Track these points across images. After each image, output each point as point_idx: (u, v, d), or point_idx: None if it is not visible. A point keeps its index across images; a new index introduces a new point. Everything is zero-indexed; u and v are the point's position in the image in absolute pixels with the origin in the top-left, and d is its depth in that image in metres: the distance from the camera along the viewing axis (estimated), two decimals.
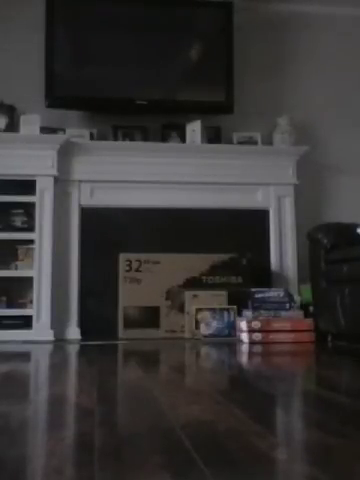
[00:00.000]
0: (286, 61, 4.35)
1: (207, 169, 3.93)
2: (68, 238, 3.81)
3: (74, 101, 3.95)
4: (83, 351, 3.05)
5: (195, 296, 3.66)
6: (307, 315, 3.47)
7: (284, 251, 3.98)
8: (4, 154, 3.70)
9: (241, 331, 3.39)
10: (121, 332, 3.64)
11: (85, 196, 3.87)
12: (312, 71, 4.35)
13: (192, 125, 3.99)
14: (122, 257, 3.73)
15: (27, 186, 3.70)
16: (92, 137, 3.98)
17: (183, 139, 4.03)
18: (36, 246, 3.68)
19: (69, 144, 3.79)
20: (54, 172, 3.73)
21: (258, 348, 3.05)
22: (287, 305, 3.47)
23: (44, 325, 3.60)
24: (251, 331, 3.28)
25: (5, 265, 3.71)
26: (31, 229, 3.71)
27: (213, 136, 4.06)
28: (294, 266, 3.96)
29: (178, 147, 4.00)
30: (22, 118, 3.76)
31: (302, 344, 3.20)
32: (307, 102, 4.30)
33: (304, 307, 3.57)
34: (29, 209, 3.75)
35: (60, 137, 3.80)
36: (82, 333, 3.70)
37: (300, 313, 3.48)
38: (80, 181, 3.86)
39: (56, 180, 3.76)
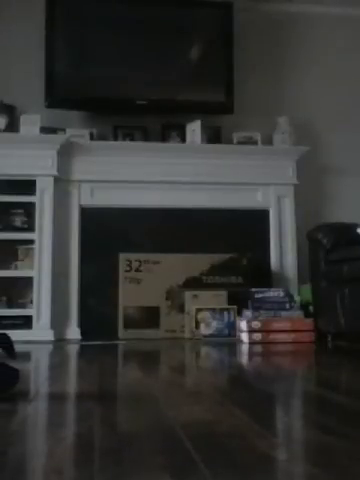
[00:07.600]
0: (286, 61, 4.35)
1: (207, 169, 3.93)
2: (68, 238, 3.81)
3: (74, 101, 3.95)
4: (83, 351, 3.05)
5: (195, 296, 3.66)
6: (307, 315, 3.47)
7: (284, 251, 3.98)
8: (4, 154, 3.70)
9: (241, 331, 3.39)
10: (121, 332, 3.64)
11: (85, 196, 3.87)
12: (312, 71, 4.35)
13: (192, 125, 3.99)
14: (122, 257, 3.73)
15: (27, 186, 3.71)
16: (92, 137, 3.97)
17: (183, 139, 4.03)
18: (36, 246, 3.68)
19: (69, 144, 3.79)
20: (54, 172, 3.73)
21: (258, 348, 3.05)
22: (287, 305, 3.47)
23: (44, 325, 3.60)
24: (251, 331, 3.28)
25: (5, 265, 3.71)
26: (31, 229, 3.71)
27: (213, 136, 4.06)
28: (294, 266, 3.96)
29: (178, 147, 4.00)
30: (22, 118, 3.76)
31: (302, 344, 3.20)
32: (307, 102, 4.30)
33: (304, 307, 3.57)
34: (29, 209, 3.75)
35: (60, 137, 3.80)
36: (82, 333, 3.70)
37: (300, 313, 3.48)
38: (80, 181, 3.86)
39: (56, 180, 3.76)
